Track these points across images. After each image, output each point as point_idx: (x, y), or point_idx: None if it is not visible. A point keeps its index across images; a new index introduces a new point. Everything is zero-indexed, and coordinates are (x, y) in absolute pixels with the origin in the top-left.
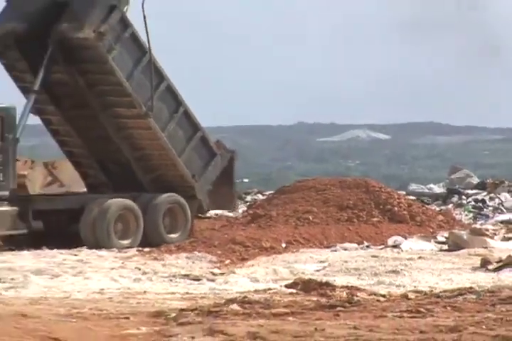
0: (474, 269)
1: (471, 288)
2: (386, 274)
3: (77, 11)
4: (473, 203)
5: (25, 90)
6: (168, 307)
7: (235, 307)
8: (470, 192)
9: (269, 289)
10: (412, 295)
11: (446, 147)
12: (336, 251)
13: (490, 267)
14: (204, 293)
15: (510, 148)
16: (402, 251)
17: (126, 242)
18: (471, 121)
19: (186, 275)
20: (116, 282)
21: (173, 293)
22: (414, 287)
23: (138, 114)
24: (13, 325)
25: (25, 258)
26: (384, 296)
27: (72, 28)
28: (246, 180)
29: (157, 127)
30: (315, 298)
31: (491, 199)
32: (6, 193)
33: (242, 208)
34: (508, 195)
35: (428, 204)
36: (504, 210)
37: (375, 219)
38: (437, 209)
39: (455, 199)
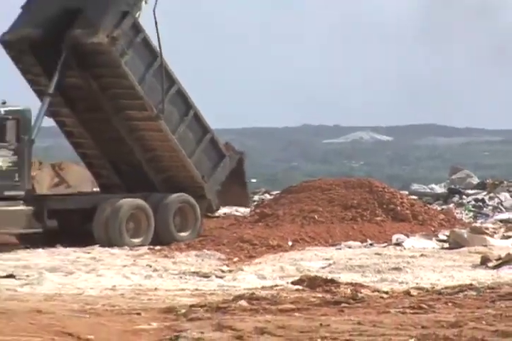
0: (474, 266)
1: (471, 284)
2: (389, 271)
3: (90, 17)
4: (473, 203)
5: (40, 93)
6: (178, 304)
7: (242, 303)
8: (470, 192)
9: (276, 286)
10: (414, 292)
11: (447, 148)
12: (340, 249)
13: (490, 264)
14: (213, 290)
15: (509, 149)
16: (404, 249)
17: (137, 240)
18: (471, 123)
19: (196, 273)
20: (128, 279)
21: (183, 290)
22: (417, 284)
23: (149, 117)
24: (28, 321)
25: (40, 256)
26: (387, 293)
27: (85, 34)
28: (254, 180)
29: (168, 129)
30: (320, 295)
31: (491, 198)
32: (22, 193)
33: (249, 207)
34: (507, 195)
35: (430, 203)
36: (503, 209)
37: (378, 218)
38: (439, 208)
39: (456, 198)
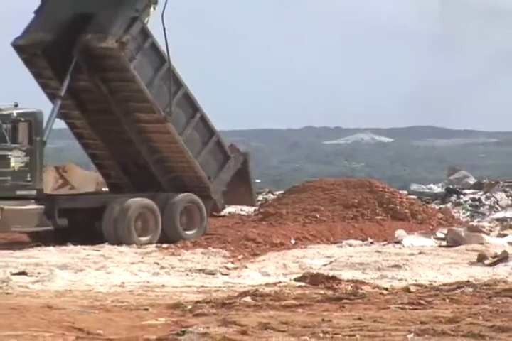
0: (471, 264)
1: (468, 281)
2: (389, 268)
3: (101, 22)
4: (470, 202)
5: (52, 96)
6: (184, 300)
7: (247, 299)
8: (467, 191)
9: (279, 282)
10: (413, 288)
11: (445, 149)
12: (341, 247)
13: (486, 262)
14: (218, 287)
15: (504, 151)
16: (403, 247)
17: (145, 239)
18: (469, 126)
19: (202, 270)
20: (136, 276)
21: (189, 286)
22: (415, 281)
23: (157, 119)
24: (39, 316)
25: (51, 254)
26: (387, 289)
27: (96, 39)
28: (258, 181)
29: (175, 131)
30: (322, 291)
31: (487, 198)
32: (34, 192)
33: (254, 207)
34: (503, 195)
35: (428, 203)
36: (499, 208)
37: (378, 217)
38: (437, 207)
39: (453, 198)
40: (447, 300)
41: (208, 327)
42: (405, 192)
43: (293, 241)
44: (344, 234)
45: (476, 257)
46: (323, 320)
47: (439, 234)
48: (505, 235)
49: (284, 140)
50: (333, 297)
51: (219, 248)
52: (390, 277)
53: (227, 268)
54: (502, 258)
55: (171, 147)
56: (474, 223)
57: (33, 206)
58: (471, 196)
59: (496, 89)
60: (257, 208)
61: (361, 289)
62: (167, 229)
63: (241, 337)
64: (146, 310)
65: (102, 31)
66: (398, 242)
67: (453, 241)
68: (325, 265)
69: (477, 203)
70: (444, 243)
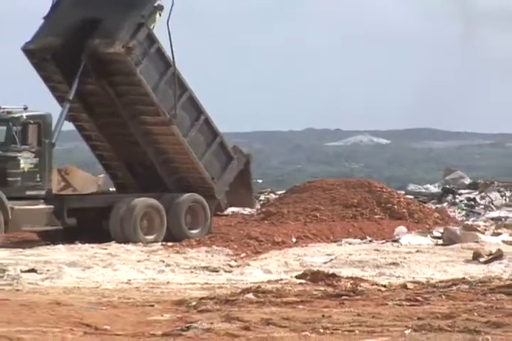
0: (467, 262)
1: (463, 278)
2: (387, 266)
3: (108, 28)
4: (465, 202)
5: (61, 99)
6: (189, 296)
7: (249, 296)
8: (463, 191)
9: (281, 280)
10: (410, 285)
11: (441, 151)
12: (341, 245)
13: (481, 260)
14: (221, 283)
15: (499, 152)
16: (401, 245)
17: (151, 237)
18: (464, 128)
19: (206, 267)
20: (142, 273)
21: (193, 283)
22: (413, 278)
23: (162, 122)
24: (49, 312)
25: (60, 252)
26: (385, 286)
27: (103, 44)
28: (260, 181)
29: (180, 133)
30: (322, 288)
31: (482, 198)
32: (43, 193)
33: (256, 206)
34: (497, 194)
35: (425, 202)
36: (494, 208)
37: (377, 216)
38: (433, 207)
39: (449, 198)
40: (443, 297)
41: (211, 323)
42: (403, 192)
43: (294, 240)
44: (344, 233)
45: (471, 255)
46: (323, 316)
47: (436, 233)
48: (499, 234)
49: (286, 142)
50: (332, 294)
51: (222, 246)
52: (388, 274)
53: (231, 266)
54: (496, 256)
55: (176, 148)
56: (469, 222)
57: (42, 206)
58: (467, 196)
59: (491, 92)
60: (259, 208)
61: (360, 286)
62: (172, 228)
63: (244, 332)
64: (152, 306)
65: (110, 37)
66: (396, 241)
67: (449, 240)
68: (325, 263)
69: (472, 203)
70: (440, 241)
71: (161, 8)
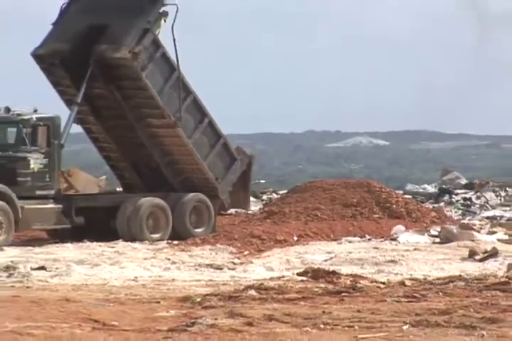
0: (463, 259)
1: (460, 276)
2: (385, 264)
3: (115, 33)
4: (462, 201)
5: (69, 103)
6: (194, 293)
7: (252, 292)
8: (459, 191)
9: (283, 277)
10: (408, 282)
11: (439, 152)
12: (341, 243)
13: (477, 257)
14: (225, 281)
15: (495, 153)
16: (399, 243)
17: (157, 236)
18: (461, 129)
19: (210, 265)
20: (148, 271)
21: (198, 281)
22: (411, 275)
23: (168, 124)
24: (58, 309)
25: (69, 250)
26: (384, 283)
27: (110, 49)
28: (262, 181)
29: (184, 135)
30: (323, 285)
31: (478, 198)
32: (52, 192)
33: (258, 206)
34: (492, 194)
35: (422, 202)
36: (489, 207)
37: (375, 215)
38: (430, 206)
39: (446, 198)
40: (440, 294)
41: (215, 319)
42: (401, 192)
43: (295, 238)
44: (343, 232)
45: (467, 253)
46: (323, 312)
47: (433, 232)
48: (494, 232)
49: (287, 143)
50: (333, 290)
51: (226, 244)
52: (386, 272)
53: (234, 264)
54: (492, 254)
55: (181, 150)
56: (466, 221)
57: (51, 205)
58: (463, 196)
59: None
60: (261, 207)
61: (359, 283)
62: (177, 227)
63: (247, 328)
64: (158, 302)
65: (116, 42)
66: (394, 239)
67: (446, 238)
68: (326, 260)
69: (468, 202)
70: (437, 240)
71: (165, 14)
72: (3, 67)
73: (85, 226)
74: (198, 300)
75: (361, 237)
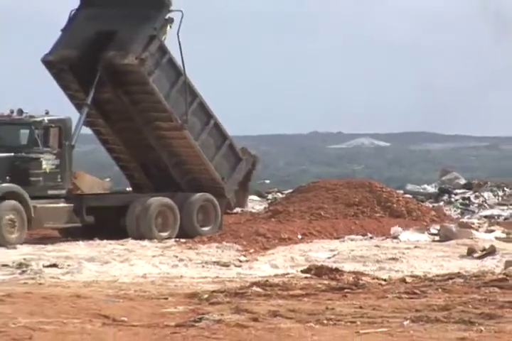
0: (462, 257)
1: (459, 273)
2: (387, 261)
3: (122, 40)
4: (461, 201)
5: (79, 106)
6: (201, 290)
7: (258, 289)
8: (458, 191)
9: (287, 274)
10: (409, 279)
11: (438, 153)
12: (344, 241)
13: (475, 255)
14: (232, 277)
15: (493, 154)
16: (400, 241)
17: (165, 234)
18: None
19: (216, 262)
20: (157, 268)
21: (205, 277)
22: (411, 272)
23: (175, 127)
24: (69, 305)
25: (80, 248)
26: (385, 280)
27: (118, 56)
28: (267, 181)
29: (191, 137)
30: (326, 282)
31: (476, 197)
32: (63, 192)
33: (264, 205)
34: (490, 194)
35: (422, 201)
36: (487, 207)
37: (377, 214)
38: (430, 206)
39: (445, 197)
40: (440, 290)
41: (222, 315)
42: (402, 191)
43: (300, 237)
44: (346, 230)
45: (466, 251)
46: (326, 308)
47: (433, 230)
48: (492, 231)
49: (291, 144)
50: (336, 287)
51: (232, 242)
52: (387, 269)
53: (240, 261)
54: (490, 252)
55: (188, 151)
56: (464, 220)
57: (63, 204)
58: (462, 195)
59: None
60: (266, 206)
61: (362, 280)
62: (185, 226)
63: (253, 323)
64: (166, 299)
65: (124, 49)
66: (395, 237)
67: (445, 237)
68: (329, 258)
69: (467, 202)
70: (437, 238)
71: (171, 20)
72: (3, 67)
73: (96, 225)
74: (205, 296)
75: (363, 235)
